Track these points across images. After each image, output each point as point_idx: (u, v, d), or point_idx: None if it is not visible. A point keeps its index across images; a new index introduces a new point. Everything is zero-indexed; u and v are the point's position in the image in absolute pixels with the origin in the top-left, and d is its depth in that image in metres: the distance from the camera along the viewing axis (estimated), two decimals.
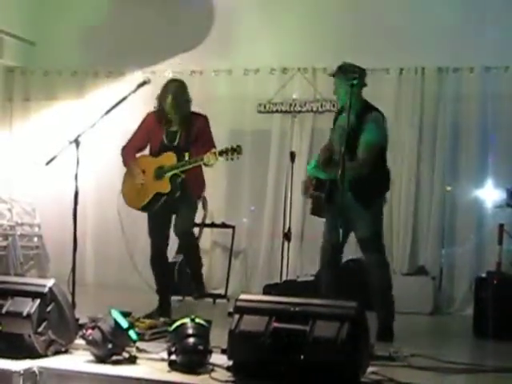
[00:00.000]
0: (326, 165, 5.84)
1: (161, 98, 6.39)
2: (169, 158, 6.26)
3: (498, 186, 7.93)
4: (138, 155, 6.54)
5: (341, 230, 5.19)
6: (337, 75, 5.77)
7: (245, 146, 8.36)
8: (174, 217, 6.42)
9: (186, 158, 6.19)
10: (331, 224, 5.86)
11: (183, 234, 6.44)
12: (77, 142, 5.35)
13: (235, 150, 5.97)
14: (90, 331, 4.27)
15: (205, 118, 6.45)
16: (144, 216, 6.51)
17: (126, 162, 6.49)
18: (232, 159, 6.02)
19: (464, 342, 6.17)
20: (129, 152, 6.49)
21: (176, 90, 6.34)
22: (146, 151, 6.54)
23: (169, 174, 6.22)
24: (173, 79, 6.69)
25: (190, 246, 6.59)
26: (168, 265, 6.90)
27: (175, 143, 6.32)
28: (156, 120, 6.44)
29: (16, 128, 9.74)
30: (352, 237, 5.87)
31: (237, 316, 4.07)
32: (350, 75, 5.56)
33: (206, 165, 6.15)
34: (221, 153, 5.98)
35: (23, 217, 9.32)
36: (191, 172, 6.24)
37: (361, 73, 5.70)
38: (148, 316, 5.96)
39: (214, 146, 6.20)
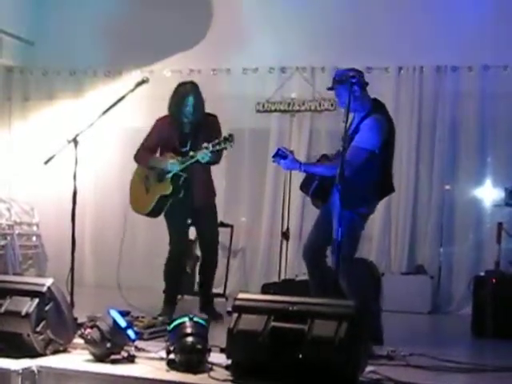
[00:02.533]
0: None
1: (176, 103, 6.31)
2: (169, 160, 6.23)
3: (496, 184, 7.95)
4: None
5: (340, 229, 5.09)
6: (336, 86, 5.55)
7: (243, 145, 8.43)
8: (191, 222, 6.49)
9: (191, 153, 6.10)
10: (316, 221, 5.86)
11: (209, 252, 6.51)
12: (75, 141, 5.35)
13: (227, 140, 5.87)
14: (88, 330, 4.28)
15: (215, 118, 6.39)
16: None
17: (145, 163, 6.40)
18: (225, 148, 5.92)
19: (462, 341, 6.16)
20: (144, 157, 6.40)
21: (194, 94, 6.27)
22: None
23: (169, 175, 6.19)
24: (184, 82, 6.50)
25: (211, 264, 6.59)
26: (183, 271, 6.86)
27: (188, 146, 6.25)
28: (168, 124, 6.37)
29: (15, 127, 9.74)
30: None
31: (235, 315, 4.06)
32: (348, 81, 5.36)
33: (208, 163, 6.09)
34: (214, 145, 5.89)
35: (22, 216, 9.32)
36: (199, 177, 6.21)
37: (358, 74, 5.50)
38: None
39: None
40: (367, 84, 5.60)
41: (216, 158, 6.13)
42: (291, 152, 5.55)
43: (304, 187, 5.82)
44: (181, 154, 6.21)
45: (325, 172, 5.53)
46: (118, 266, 6.42)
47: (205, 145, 5.93)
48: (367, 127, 5.34)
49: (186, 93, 6.31)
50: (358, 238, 5.57)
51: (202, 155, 5.95)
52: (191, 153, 6.09)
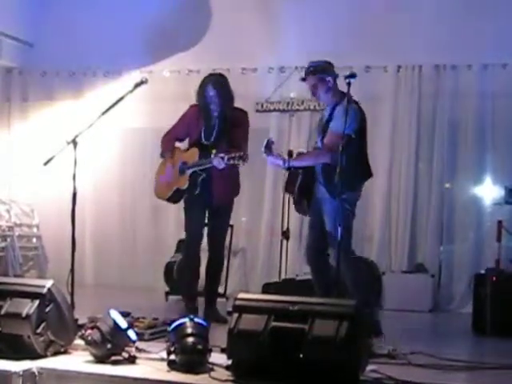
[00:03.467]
0: None
1: (198, 93, 6.35)
2: (192, 155, 6.27)
3: (496, 182, 7.95)
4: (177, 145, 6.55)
5: (340, 228, 5.10)
6: (310, 76, 5.73)
7: None
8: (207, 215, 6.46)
9: (212, 156, 6.10)
10: (309, 224, 5.89)
11: (216, 251, 6.49)
12: (75, 142, 5.34)
13: (241, 158, 5.89)
14: (89, 331, 4.27)
15: (243, 114, 6.41)
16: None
17: (163, 152, 6.48)
18: (238, 165, 5.97)
19: (463, 339, 6.17)
20: (167, 142, 6.47)
21: (214, 85, 6.27)
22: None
23: (189, 171, 6.22)
24: (209, 74, 6.58)
25: (217, 263, 6.57)
26: (199, 266, 6.83)
27: (212, 139, 6.28)
28: (197, 113, 6.39)
29: (14, 129, 9.75)
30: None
31: (236, 315, 4.05)
32: (323, 73, 5.66)
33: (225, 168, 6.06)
34: (229, 158, 5.90)
35: (22, 218, 9.33)
36: (219, 178, 6.17)
37: (330, 66, 5.73)
38: None
39: (241, 147, 6.10)
40: (337, 76, 5.74)
41: (234, 165, 6.10)
42: (285, 152, 5.66)
43: (288, 187, 5.87)
44: (203, 147, 6.24)
45: (312, 161, 5.68)
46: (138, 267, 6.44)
47: (221, 155, 5.94)
48: (341, 113, 5.44)
49: (205, 84, 6.33)
50: (351, 226, 5.59)
51: (217, 162, 5.97)
52: (212, 151, 6.12)
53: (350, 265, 5.47)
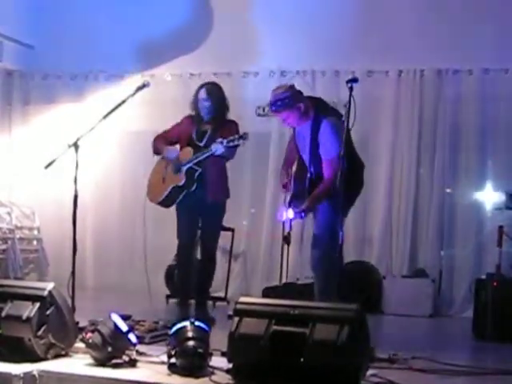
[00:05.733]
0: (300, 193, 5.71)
1: (192, 101, 6.44)
2: (186, 153, 6.29)
3: (497, 188, 7.94)
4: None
5: (341, 233, 5.11)
6: (281, 112, 5.62)
7: (244, 149, 8.39)
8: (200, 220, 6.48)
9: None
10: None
11: (207, 251, 6.51)
12: (76, 145, 5.35)
13: (241, 137, 5.96)
14: (89, 334, 4.28)
15: (235, 125, 6.43)
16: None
17: (157, 149, 6.50)
18: (238, 145, 5.99)
19: (464, 344, 6.17)
20: (160, 141, 6.51)
21: (207, 96, 6.35)
22: None
23: (185, 168, 6.23)
24: (208, 82, 6.64)
25: (208, 264, 6.56)
26: (193, 268, 6.83)
27: (203, 143, 6.33)
28: (191, 122, 6.47)
29: (15, 132, 9.73)
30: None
31: (236, 319, 4.05)
32: (294, 103, 5.50)
33: (222, 156, 6.12)
34: (228, 141, 5.93)
35: (22, 220, 9.30)
36: (213, 174, 6.27)
37: (295, 91, 5.59)
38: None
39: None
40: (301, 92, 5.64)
41: (229, 153, 6.16)
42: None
43: (294, 204, 5.82)
44: (197, 148, 6.29)
45: (326, 196, 5.48)
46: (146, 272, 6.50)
47: (219, 140, 5.98)
48: (325, 137, 5.41)
49: (199, 90, 6.41)
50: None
51: (216, 147, 5.99)
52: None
53: (332, 269, 5.43)
